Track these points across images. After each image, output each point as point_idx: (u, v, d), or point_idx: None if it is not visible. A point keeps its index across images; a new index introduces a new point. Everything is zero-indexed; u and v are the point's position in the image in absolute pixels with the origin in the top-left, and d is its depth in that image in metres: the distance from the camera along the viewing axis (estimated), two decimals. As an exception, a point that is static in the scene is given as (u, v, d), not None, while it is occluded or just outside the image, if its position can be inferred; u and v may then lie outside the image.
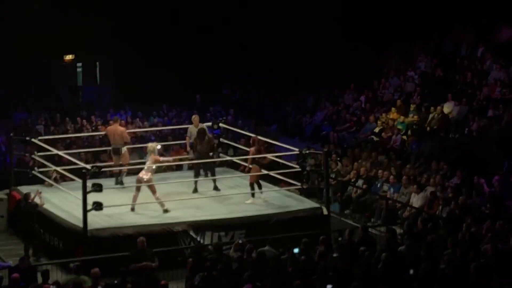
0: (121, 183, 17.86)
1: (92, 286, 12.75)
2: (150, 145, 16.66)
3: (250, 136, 18.22)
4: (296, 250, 13.45)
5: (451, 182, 17.40)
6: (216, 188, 17.72)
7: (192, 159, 18.40)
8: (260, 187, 17.20)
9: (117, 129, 18.10)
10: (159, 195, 16.30)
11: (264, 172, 17.49)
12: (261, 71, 28.42)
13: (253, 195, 17.07)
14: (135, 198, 16.33)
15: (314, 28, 26.92)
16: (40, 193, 16.57)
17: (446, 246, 13.12)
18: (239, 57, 27.82)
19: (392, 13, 26.32)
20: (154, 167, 16.32)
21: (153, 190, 16.25)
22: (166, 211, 16.24)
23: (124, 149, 17.93)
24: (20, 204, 16.66)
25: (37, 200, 16.35)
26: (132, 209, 16.34)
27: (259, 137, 17.84)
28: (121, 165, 17.80)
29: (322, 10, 26.90)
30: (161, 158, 16.71)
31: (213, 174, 17.84)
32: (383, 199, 17.97)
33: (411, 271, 12.20)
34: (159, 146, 19.51)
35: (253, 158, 17.09)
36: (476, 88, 21.91)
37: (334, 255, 13.15)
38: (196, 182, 17.68)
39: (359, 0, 26.72)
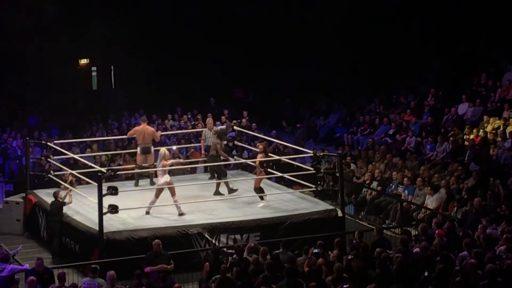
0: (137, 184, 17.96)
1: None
2: (162, 149, 16.68)
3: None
4: (316, 250, 13.46)
5: (466, 184, 17.36)
6: (217, 193, 17.54)
7: (205, 162, 18.41)
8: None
9: (147, 128, 18.01)
10: (177, 198, 16.34)
11: (272, 175, 17.49)
12: (274, 73, 28.46)
13: (261, 198, 17.06)
14: (152, 203, 16.36)
15: (326, 30, 26.93)
16: (70, 190, 16.74)
17: (461, 248, 13.11)
18: (252, 59, 27.87)
19: (407, 15, 26.32)
20: (166, 170, 16.33)
21: (172, 192, 16.27)
22: (181, 214, 16.28)
23: (152, 148, 17.93)
24: (36, 207, 16.68)
25: (66, 199, 16.50)
26: (147, 213, 16.40)
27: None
28: (144, 167, 17.74)
29: (334, 13, 26.92)
30: (169, 162, 16.49)
31: (219, 178, 17.76)
32: (394, 197, 18.02)
33: (426, 273, 12.18)
34: (174, 148, 19.47)
35: (261, 164, 16.97)
36: (490, 89, 21.86)
37: (349, 257, 13.15)
38: (217, 184, 17.56)
39: (373, 2, 26.73)
